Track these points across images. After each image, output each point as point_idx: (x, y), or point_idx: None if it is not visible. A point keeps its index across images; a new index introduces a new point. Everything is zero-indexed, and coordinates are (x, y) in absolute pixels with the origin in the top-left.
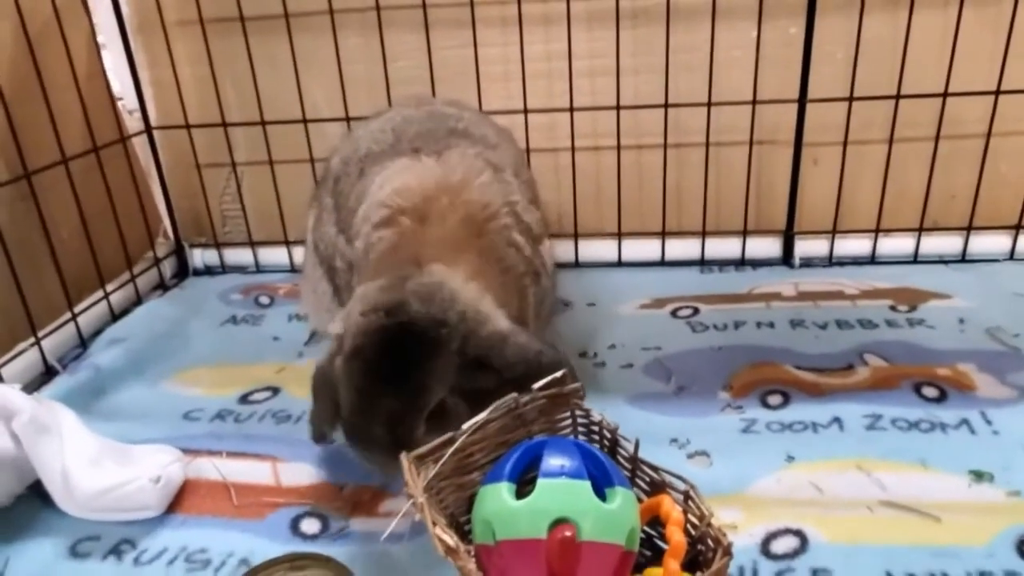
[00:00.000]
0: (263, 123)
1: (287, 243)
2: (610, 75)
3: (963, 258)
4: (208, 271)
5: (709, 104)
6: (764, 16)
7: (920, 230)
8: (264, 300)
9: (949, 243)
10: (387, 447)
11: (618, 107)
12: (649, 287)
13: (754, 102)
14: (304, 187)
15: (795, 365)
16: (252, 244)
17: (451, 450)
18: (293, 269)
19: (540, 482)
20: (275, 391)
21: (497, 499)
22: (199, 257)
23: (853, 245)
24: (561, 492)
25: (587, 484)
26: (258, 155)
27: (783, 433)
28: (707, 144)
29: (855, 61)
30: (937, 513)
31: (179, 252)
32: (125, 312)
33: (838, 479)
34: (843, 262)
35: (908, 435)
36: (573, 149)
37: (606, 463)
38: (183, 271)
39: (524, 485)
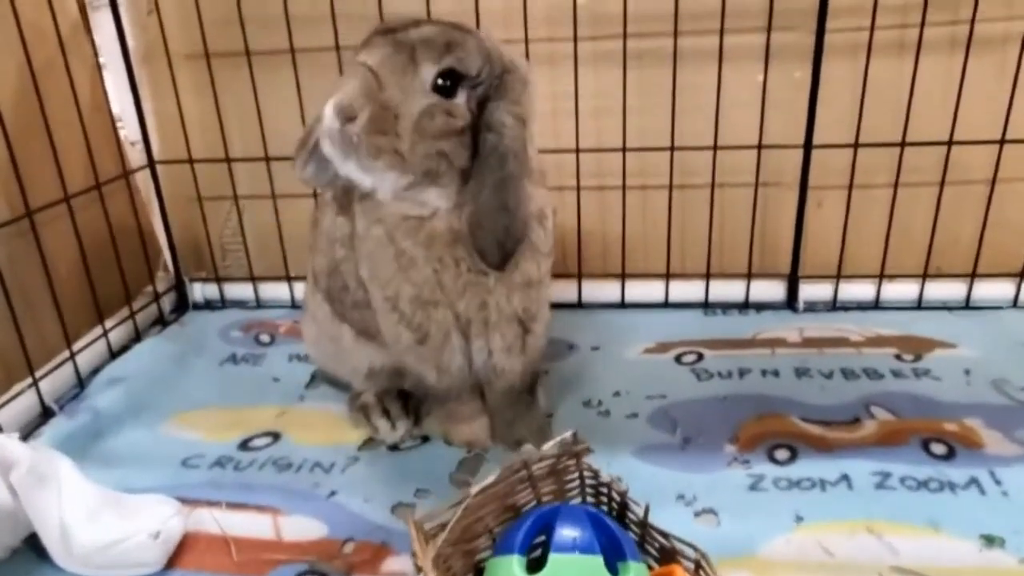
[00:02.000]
0: (267, 159)
1: (288, 278)
2: (614, 115)
3: (967, 305)
4: (208, 305)
5: (715, 148)
6: (769, 60)
7: (924, 276)
8: (264, 338)
9: (953, 289)
10: (361, 80)
11: (624, 149)
12: (653, 330)
13: (759, 147)
14: (306, 221)
15: (801, 417)
16: (253, 279)
17: (457, 515)
18: (294, 305)
19: (552, 557)
20: (275, 437)
21: (508, 574)
22: (199, 291)
23: (857, 290)
24: (573, 569)
25: (599, 560)
26: (260, 189)
27: (791, 491)
28: (712, 186)
29: (861, 107)
30: None
31: (179, 286)
32: (124, 349)
33: (848, 542)
34: (847, 307)
35: (918, 495)
36: (579, 189)
37: (618, 533)
38: (182, 305)
39: (534, 548)
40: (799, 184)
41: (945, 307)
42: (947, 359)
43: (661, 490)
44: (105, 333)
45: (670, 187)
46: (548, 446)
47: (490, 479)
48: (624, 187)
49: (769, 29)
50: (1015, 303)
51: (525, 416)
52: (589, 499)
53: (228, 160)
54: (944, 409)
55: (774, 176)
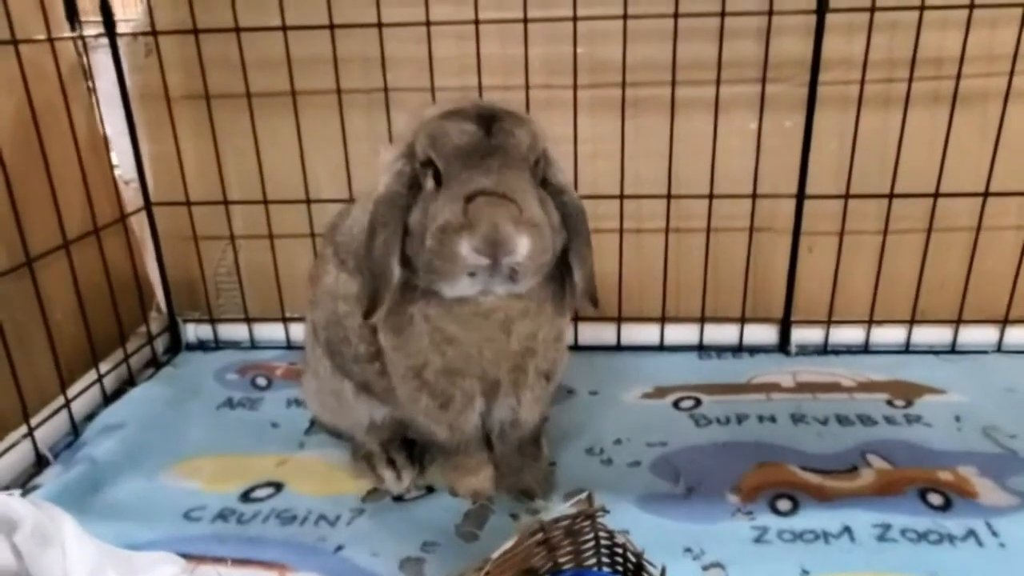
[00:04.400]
0: (266, 202)
1: (284, 319)
2: (609, 160)
3: (953, 349)
4: (201, 346)
5: (711, 196)
6: (761, 109)
7: (912, 321)
8: (261, 382)
9: (939, 334)
10: (506, 207)
11: (621, 196)
12: (650, 374)
13: (754, 196)
14: (303, 262)
15: (800, 465)
16: (248, 320)
17: None
18: (289, 346)
19: None
20: (278, 487)
21: None
22: (192, 332)
23: (847, 334)
24: None
25: None
26: (256, 229)
27: (795, 543)
28: (708, 232)
29: (851, 159)
30: None
31: (171, 327)
32: (118, 392)
33: None
34: (838, 351)
35: (918, 547)
36: None
37: None
38: (175, 346)
39: None
40: (792, 231)
41: (932, 351)
42: (937, 405)
43: (668, 543)
44: (100, 378)
45: (666, 232)
46: (565, 507)
47: (508, 544)
48: (621, 232)
49: (764, 80)
50: (999, 348)
51: (532, 465)
52: (604, 560)
53: (226, 203)
54: (938, 457)
55: (767, 222)
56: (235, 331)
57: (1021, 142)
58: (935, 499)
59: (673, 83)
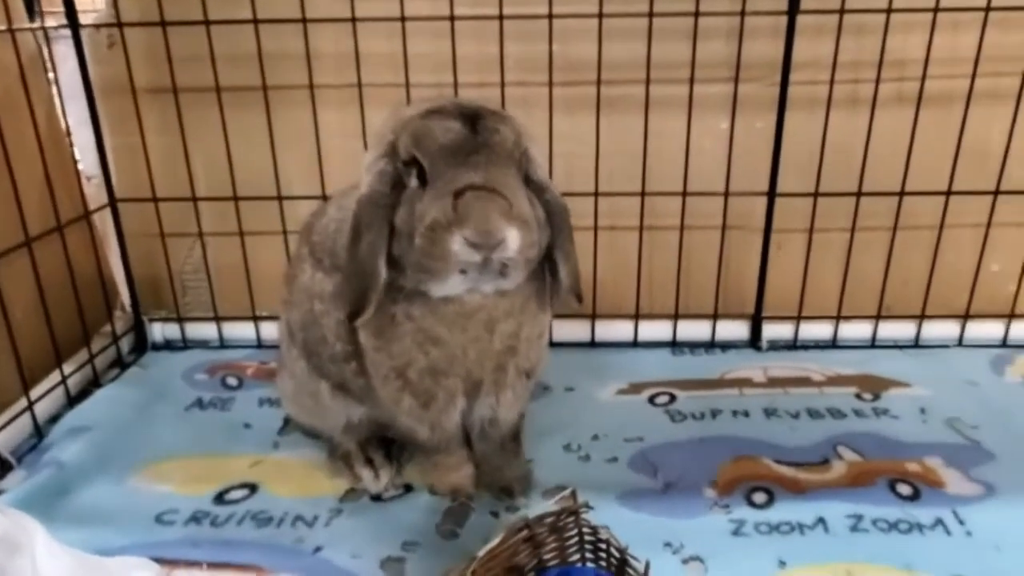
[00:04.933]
0: (236, 198)
1: (255, 318)
2: (583, 158)
3: (916, 343)
4: (168, 346)
5: (684, 194)
6: (733, 109)
7: (878, 317)
8: (232, 381)
9: (903, 329)
10: (496, 202)
11: (596, 193)
12: (624, 370)
13: (726, 194)
14: (274, 260)
15: (774, 459)
16: (217, 318)
17: None
18: (260, 345)
19: None
20: (252, 489)
21: None
22: (158, 331)
23: (816, 329)
24: None
25: None
26: (225, 226)
27: (772, 535)
28: (681, 230)
29: (821, 158)
30: None
31: (137, 326)
32: (83, 394)
33: None
34: (807, 346)
35: (890, 537)
36: None
37: None
38: (141, 346)
39: None
40: (764, 229)
41: (896, 346)
42: (903, 398)
43: (648, 538)
44: (64, 379)
45: (640, 230)
46: (550, 504)
47: (494, 542)
48: (595, 229)
49: (736, 80)
50: (960, 342)
51: (511, 462)
52: (588, 555)
53: (195, 199)
54: (905, 449)
55: (738, 220)
56: (203, 330)
57: (981, 143)
58: (904, 489)
59: (647, 82)
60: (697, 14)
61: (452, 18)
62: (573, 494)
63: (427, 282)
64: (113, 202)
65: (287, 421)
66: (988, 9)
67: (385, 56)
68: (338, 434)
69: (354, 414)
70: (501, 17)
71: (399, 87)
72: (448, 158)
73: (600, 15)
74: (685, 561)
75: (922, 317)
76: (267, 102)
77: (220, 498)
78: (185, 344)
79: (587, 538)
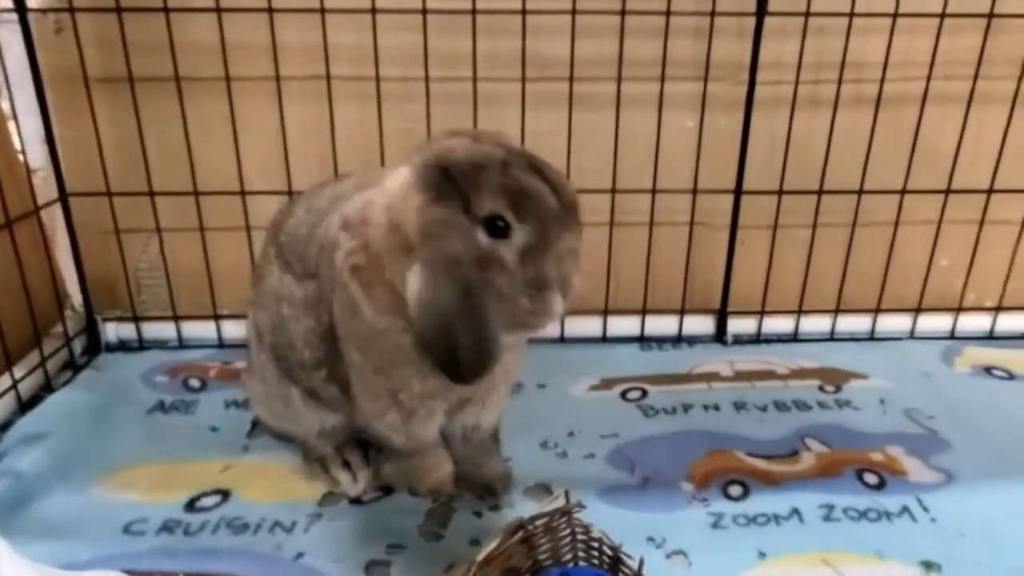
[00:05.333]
0: (196, 193)
1: (216, 317)
2: (554, 154)
3: (872, 336)
4: (123, 347)
5: (654, 191)
6: (697, 108)
7: (836, 311)
8: (194, 383)
9: (860, 322)
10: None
11: None
12: (595, 366)
13: (695, 191)
14: (236, 256)
15: (746, 452)
16: (176, 318)
17: None
18: (222, 344)
19: None
20: (225, 494)
21: None
22: (112, 331)
23: (778, 323)
24: None
25: None
26: (183, 221)
27: (750, 527)
28: (651, 226)
29: (785, 157)
30: None
31: (89, 326)
32: (35, 399)
33: (808, 574)
34: (770, 339)
35: (860, 525)
36: None
37: None
38: (94, 347)
39: None
40: (730, 226)
41: (854, 339)
42: (863, 389)
43: (632, 533)
44: (15, 384)
45: (611, 226)
46: (546, 504)
47: (492, 545)
48: None
49: (706, 79)
50: (912, 335)
51: (491, 461)
52: (581, 555)
53: (151, 193)
54: (869, 439)
55: (704, 217)
56: (161, 330)
57: (934, 143)
58: (871, 479)
59: (619, 79)
60: (668, 13)
61: (424, 11)
62: (566, 494)
63: (514, 334)
64: (64, 196)
65: (256, 423)
66: (943, 15)
67: (353, 49)
68: (312, 439)
69: (327, 420)
70: (474, 12)
71: (367, 80)
72: (552, 221)
73: (573, 11)
74: (668, 555)
75: (877, 311)
76: (230, 93)
77: (191, 505)
78: (142, 345)
79: (580, 537)
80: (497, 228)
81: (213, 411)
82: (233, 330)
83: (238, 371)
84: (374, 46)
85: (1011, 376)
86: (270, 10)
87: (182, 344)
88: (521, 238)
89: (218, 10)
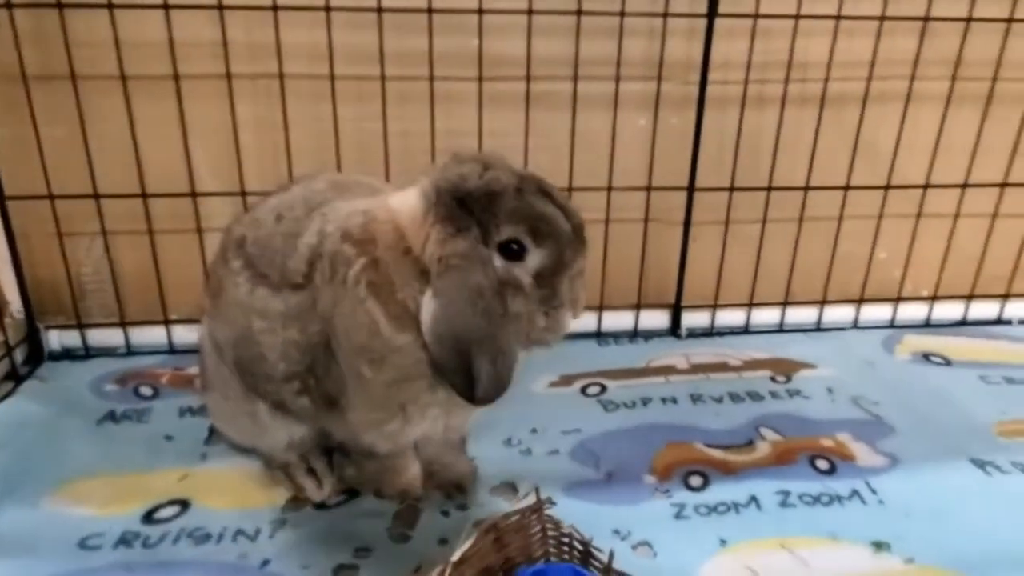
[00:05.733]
0: (144, 195)
1: (166, 322)
2: (510, 153)
3: (818, 327)
4: (67, 355)
5: (609, 189)
6: (650, 107)
7: (785, 303)
8: (146, 391)
9: (807, 314)
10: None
11: None
12: (554, 362)
13: (649, 188)
14: (186, 258)
15: (705, 443)
16: (124, 324)
17: None
18: (172, 350)
19: None
20: (184, 504)
21: None
22: (56, 339)
23: (730, 316)
24: None
25: None
26: (130, 223)
27: (711, 516)
28: (607, 223)
29: (735, 154)
30: None
31: (31, 334)
32: None
33: (768, 560)
34: (722, 332)
35: (814, 509)
36: None
37: None
38: (36, 356)
39: None
40: (684, 222)
41: (801, 330)
42: (812, 379)
43: (598, 526)
44: None
45: None
46: (516, 502)
47: (466, 545)
48: None
49: (659, 79)
50: (855, 324)
51: (459, 459)
52: (552, 550)
53: (96, 196)
54: (819, 427)
55: (658, 213)
56: (107, 336)
57: (873, 141)
58: (822, 464)
59: (575, 78)
60: (622, 14)
61: (379, 10)
62: (536, 491)
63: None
64: (2, 199)
65: (213, 431)
66: (883, 18)
67: (305, 47)
68: (280, 453)
69: (296, 432)
70: (430, 11)
71: (321, 79)
72: (567, 243)
73: (529, 11)
74: (634, 547)
75: (823, 302)
76: (179, 92)
77: (149, 517)
78: (87, 352)
79: (550, 533)
80: (512, 251)
81: (167, 419)
82: (184, 335)
83: (191, 377)
84: (328, 44)
85: (948, 362)
86: (220, 7)
87: (131, 351)
88: (536, 260)
89: (166, 7)
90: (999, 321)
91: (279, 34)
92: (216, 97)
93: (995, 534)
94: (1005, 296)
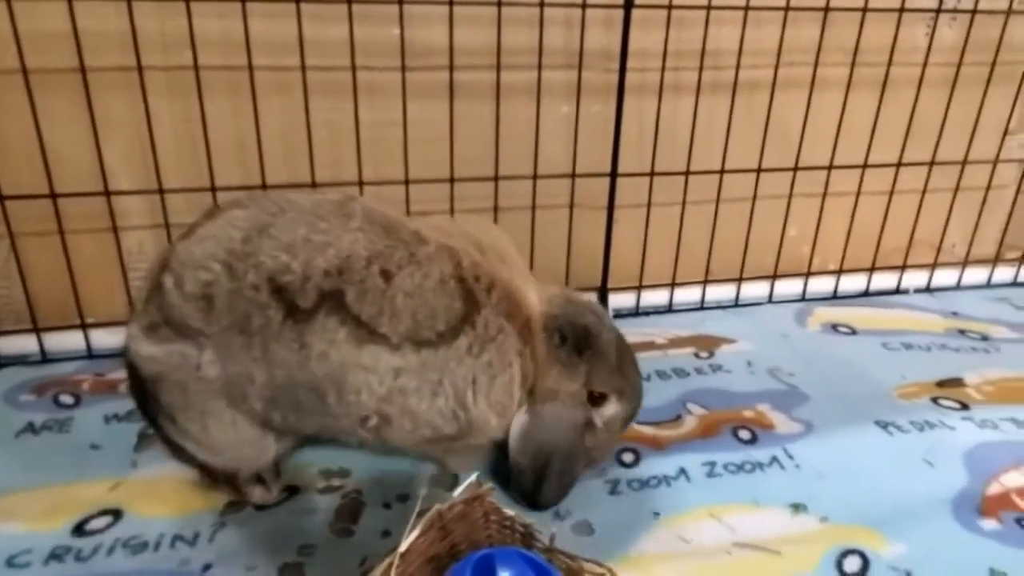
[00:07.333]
0: (53, 196)
1: (84, 326)
2: (430, 145)
3: (736, 303)
4: None
5: (535, 177)
6: (572, 96)
7: (705, 281)
8: (66, 399)
9: (726, 291)
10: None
11: (452, 179)
12: None
13: (573, 175)
14: (101, 258)
15: (635, 420)
16: (37, 330)
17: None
18: (91, 355)
19: None
20: (116, 514)
21: None
22: None
23: (654, 296)
24: None
25: None
26: (39, 224)
27: (643, 490)
28: (533, 210)
29: (655, 140)
30: (777, 547)
31: None
32: None
33: (698, 528)
34: (647, 312)
35: (738, 478)
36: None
37: (551, 570)
38: None
39: None
40: (607, 207)
41: (720, 306)
42: (732, 353)
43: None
44: None
45: (495, 212)
46: (458, 492)
47: (414, 535)
48: (452, 214)
49: (580, 68)
50: (770, 299)
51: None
52: (495, 535)
53: (2, 198)
54: (740, 399)
55: (582, 199)
56: (20, 343)
57: (783, 125)
58: (744, 435)
59: (498, 68)
60: (542, 5)
61: (298, 0)
62: (477, 479)
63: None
64: None
65: (142, 437)
66: (787, 9)
67: (218, 37)
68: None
69: (284, 446)
70: (350, 1)
71: (236, 70)
72: (637, 408)
73: (451, 2)
74: (574, 527)
75: (740, 279)
76: (87, 87)
77: (79, 529)
78: None
79: (492, 519)
80: (596, 399)
81: (92, 427)
82: (104, 339)
83: (115, 382)
84: (245, 34)
85: (854, 331)
86: None
87: (46, 358)
88: (612, 410)
89: None
90: (898, 291)
91: (192, 24)
92: (127, 90)
93: (898, 490)
94: (902, 267)
